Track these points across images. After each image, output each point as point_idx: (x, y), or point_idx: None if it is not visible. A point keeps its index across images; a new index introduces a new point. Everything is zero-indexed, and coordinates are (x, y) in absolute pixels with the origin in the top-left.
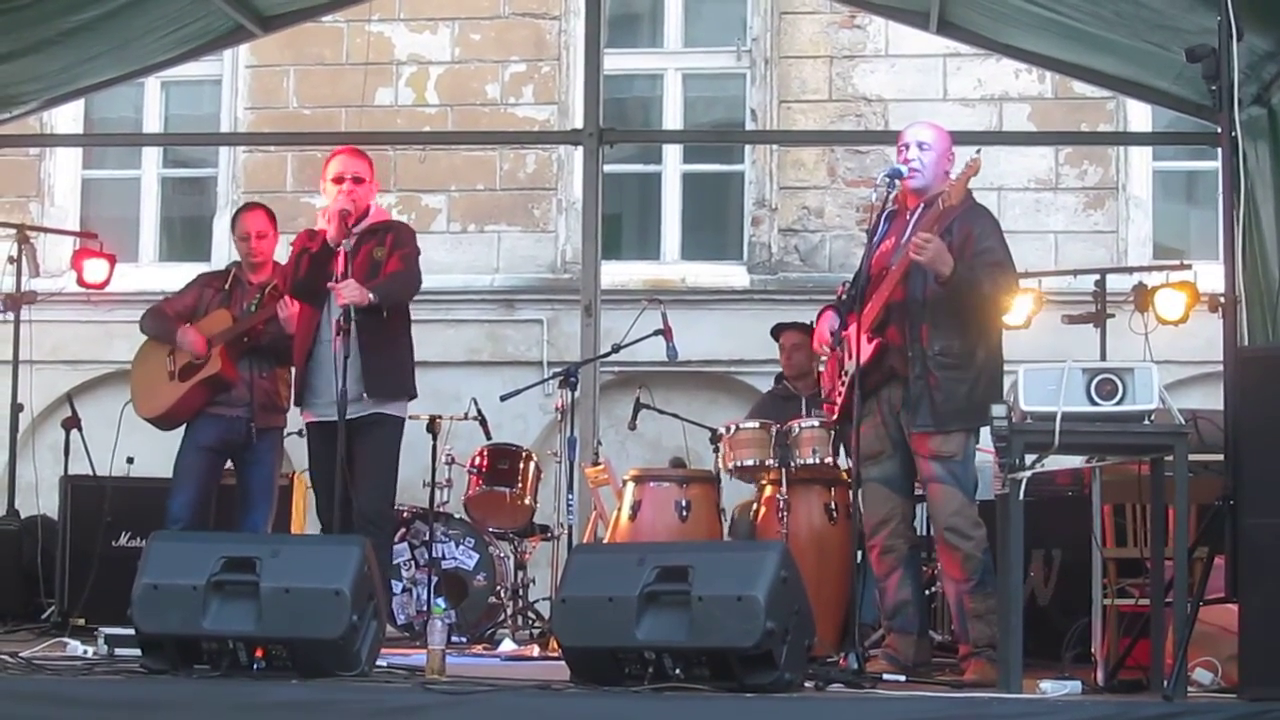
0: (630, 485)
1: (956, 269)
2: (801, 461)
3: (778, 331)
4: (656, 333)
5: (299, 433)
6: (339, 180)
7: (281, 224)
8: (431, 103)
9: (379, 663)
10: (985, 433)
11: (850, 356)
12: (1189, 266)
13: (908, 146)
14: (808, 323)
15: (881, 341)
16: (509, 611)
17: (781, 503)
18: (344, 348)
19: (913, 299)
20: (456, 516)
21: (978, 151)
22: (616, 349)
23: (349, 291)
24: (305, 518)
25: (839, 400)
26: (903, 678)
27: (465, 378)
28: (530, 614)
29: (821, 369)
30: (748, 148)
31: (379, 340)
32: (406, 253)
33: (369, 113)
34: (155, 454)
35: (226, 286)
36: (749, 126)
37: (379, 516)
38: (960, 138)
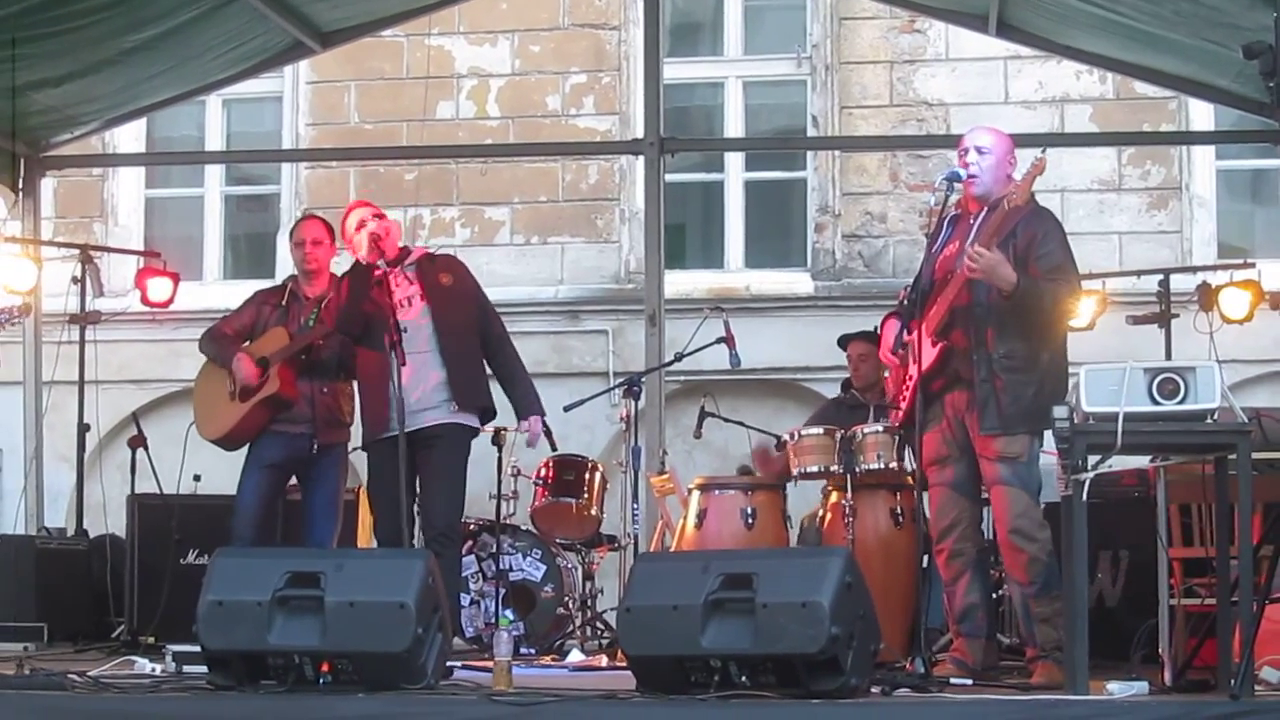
0: (695, 494)
1: (1019, 283)
2: (866, 467)
3: (844, 342)
4: (719, 340)
5: (363, 447)
6: (361, 226)
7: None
8: (493, 115)
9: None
10: (1049, 435)
11: (914, 361)
12: (1253, 265)
13: (967, 151)
14: (874, 330)
15: (946, 345)
16: (577, 622)
17: (847, 508)
18: (400, 358)
19: (978, 303)
20: (523, 528)
21: (1043, 151)
22: (679, 357)
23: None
24: (371, 532)
25: (904, 405)
26: (970, 681)
27: None
28: (599, 624)
29: (887, 375)
30: (810, 154)
31: (463, 354)
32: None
33: (430, 126)
34: (222, 471)
35: (283, 302)
36: (810, 133)
37: (451, 530)
38: (1022, 140)
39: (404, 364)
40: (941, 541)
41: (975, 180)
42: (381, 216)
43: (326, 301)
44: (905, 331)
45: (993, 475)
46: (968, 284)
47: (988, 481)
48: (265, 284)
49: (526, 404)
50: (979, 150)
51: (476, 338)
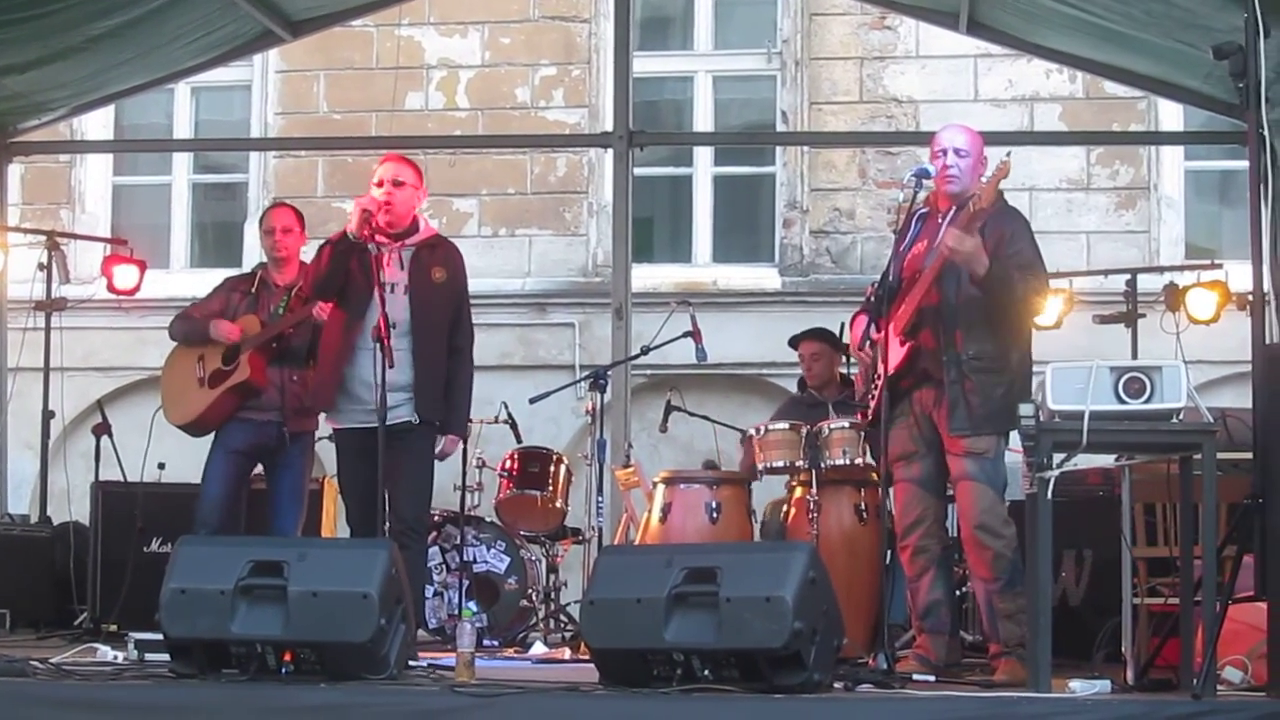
0: (660, 487)
1: (992, 267)
2: (832, 462)
3: (795, 342)
4: (685, 334)
5: (329, 437)
6: (379, 185)
7: (311, 229)
8: (462, 106)
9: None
10: (1015, 433)
11: (882, 360)
12: (1220, 266)
13: (945, 153)
14: (825, 329)
15: (914, 344)
16: (540, 614)
17: (812, 504)
18: (384, 357)
19: (946, 302)
20: (487, 520)
21: (1008, 154)
22: (645, 351)
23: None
24: (335, 522)
25: (874, 403)
26: (932, 678)
27: (497, 382)
28: (562, 617)
29: (852, 373)
30: (779, 150)
31: (432, 360)
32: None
33: (399, 117)
34: (187, 460)
35: (253, 290)
36: (780, 128)
37: (418, 523)
38: (991, 138)
39: (392, 366)
40: (906, 538)
41: (954, 180)
42: (401, 185)
43: (299, 291)
44: (874, 328)
45: (959, 470)
46: (936, 283)
47: (953, 477)
48: (231, 272)
49: (453, 421)
50: (958, 153)
51: (448, 341)
